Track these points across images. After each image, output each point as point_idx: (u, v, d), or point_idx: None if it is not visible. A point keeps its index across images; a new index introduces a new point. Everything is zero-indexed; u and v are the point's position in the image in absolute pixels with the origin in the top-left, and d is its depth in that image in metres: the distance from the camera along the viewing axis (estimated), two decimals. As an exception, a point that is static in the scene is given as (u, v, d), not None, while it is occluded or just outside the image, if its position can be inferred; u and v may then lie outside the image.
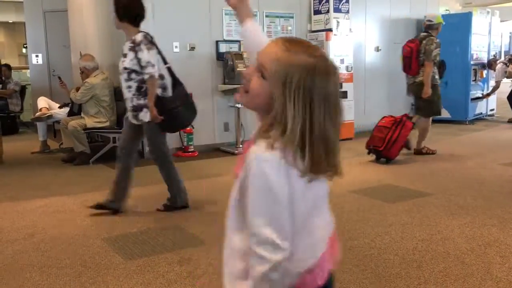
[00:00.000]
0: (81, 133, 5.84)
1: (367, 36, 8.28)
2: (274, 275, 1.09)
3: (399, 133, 5.52)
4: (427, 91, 5.74)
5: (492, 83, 9.36)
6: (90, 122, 5.93)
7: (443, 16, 9.26)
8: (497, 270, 2.62)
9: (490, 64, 9.13)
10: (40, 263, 2.89)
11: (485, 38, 9.17)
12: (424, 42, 5.82)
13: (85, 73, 6.08)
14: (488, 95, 9.09)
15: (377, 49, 8.45)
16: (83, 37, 7.76)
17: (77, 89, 6.05)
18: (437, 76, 5.94)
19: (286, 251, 1.09)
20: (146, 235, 3.35)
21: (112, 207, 3.82)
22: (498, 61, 9.49)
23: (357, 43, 7.92)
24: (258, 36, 1.54)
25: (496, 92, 9.55)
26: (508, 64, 9.04)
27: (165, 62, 3.85)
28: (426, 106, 5.89)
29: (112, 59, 6.81)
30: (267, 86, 1.13)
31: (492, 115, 9.53)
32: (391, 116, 5.85)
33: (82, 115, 6.02)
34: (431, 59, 5.73)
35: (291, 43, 1.15)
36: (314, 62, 1.11)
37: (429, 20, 6.04)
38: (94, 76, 6.04)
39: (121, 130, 6.02)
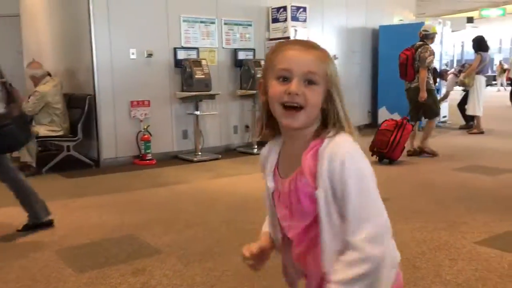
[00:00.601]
0: (33, 142, 5.61)
1: (324, 45, 8.34)
2: (385, 271, 1.06)
3: (401, 136, 5.84)
4: (423, 95, 6.12)
5: (443, 91, 9.70)
6: (42, 131, 5.73)
7: (397, 25, 9.57)
8: (446, 272, 2.70)
9: (442, 75, 9.47)
10: (-15, 278, 2.76)
11: (437, 47, 9.50)
12: (419, 50, 6.21)
13: (34, 81, 5.88)
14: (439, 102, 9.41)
15: (334, 57, 8.60)
16: (36, 43, 7.54)
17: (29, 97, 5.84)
18: (431, 81, 6.35)
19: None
20: (98, 246, 3.27)
21: (39, 223, 3.63)
22: (449, 72, 9.86)
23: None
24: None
25: (448, 99, 9.90)
26: (458, 74, 9.39)
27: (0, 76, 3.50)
28: (426, 110, 6.34)
29: (66, 65, 6.66)
30: (321, 91, 1.14)
31: (444, 122, 9.86)
32: (392, 120, 6.17)
33: (34, 124, 5.81)
34: (425, 66, 6.12)
35: (306, 43, 1.19)
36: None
37: (425, 30, 6.45)
38: (44, 83, 5.85)
39: (75, 138, 5.90)
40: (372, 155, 5.93)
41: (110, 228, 3.65)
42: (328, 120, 1.16)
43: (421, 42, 6.34)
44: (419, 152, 6.39)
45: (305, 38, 7.43)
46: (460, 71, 9.41)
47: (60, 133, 5.84)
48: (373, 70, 9.48)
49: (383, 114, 9.23)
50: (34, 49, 7.49)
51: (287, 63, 1.13)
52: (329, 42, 8.52)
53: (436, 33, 6.59)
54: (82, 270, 2.86)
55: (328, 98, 1.15)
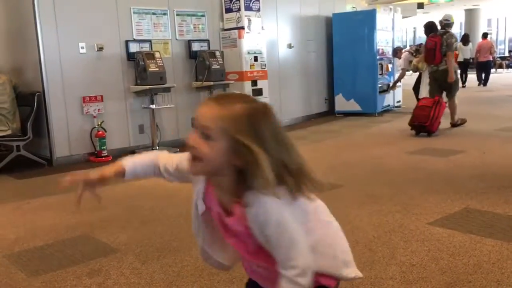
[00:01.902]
0: None
1: (279, 34, 8.43)
2: None
3: (438, 111, 6.66)
4: (453, 76, 7.04)
5: (397, 75, 9.92)
6: None
7: (350, 13, 9.70)
8: (401, 254, 2.77)
9: (396, 52, 9.68)
10: None
11: (389, 33, 9.70)
12: (445, 36, 7.12)
13: None
14: (395, 83, 9.62)
15: (290, 46, 8.64)
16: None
17: None
18: (456, 64, 7.50)
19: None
20: (53, 248, 3.16)
21: None
22: (403, 50, 10.07)
23: (270, 41, 8.04)
24: (149, 165, 1.48)
25: (402, 84, 10.14)
26: (414, 54, 9.49)
27: None
28: (450, 88, 7.18)
29: (13, 61, 6.38)
30: (217, 146, 1.16)
31: (399, 107, 10.11)
32: (428, 98, 7.05)
33: None
34: (453, 50, 7.12)
35: (222, 98, 1.22)
36: (253, 107, 1.19)
37: (446, 20, 7.35)
38: None
39: (25, 137, 5.68)
40: (411, 129, 6.78)
41: (64, 229, 3.54)
42: (249, 178, 1.17)
43: (443, 30, 7.26)
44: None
45: (259, 28, 7.43)
46: (416, 50, 9.54)
47: (8, 132, 5.60)
48: (328, 58, 9.59)
49: (340, 101, 9.39)
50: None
51: (196, 114, 1.21)
52: (284, 31, 8.55)
53: (453, 22, 7.52)
54: (35, 273, 2.76)
55: (244, 156, 1.15)
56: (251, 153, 1.13)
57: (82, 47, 5.96)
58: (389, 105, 9.70)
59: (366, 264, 2.65)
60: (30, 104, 5.73)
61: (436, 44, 7.13)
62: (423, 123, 6.64)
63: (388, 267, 2.61)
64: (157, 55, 6.33)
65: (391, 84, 9.62)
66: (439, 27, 7.60)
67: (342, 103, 9.38)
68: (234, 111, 1.16)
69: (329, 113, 9.59)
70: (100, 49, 6.10)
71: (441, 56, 7.09)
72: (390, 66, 9.58)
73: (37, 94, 5.75)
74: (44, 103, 5.77)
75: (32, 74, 5.97)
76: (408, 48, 10.97)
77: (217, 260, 1.51)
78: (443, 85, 7.18)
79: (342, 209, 3.69)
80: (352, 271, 1.41)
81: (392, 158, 5.48)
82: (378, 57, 9.08)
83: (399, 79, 9.65)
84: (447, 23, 7.30)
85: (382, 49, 9.29)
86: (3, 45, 6.61)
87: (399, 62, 9.71)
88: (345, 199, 3.93)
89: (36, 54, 5.73)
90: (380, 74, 9.17)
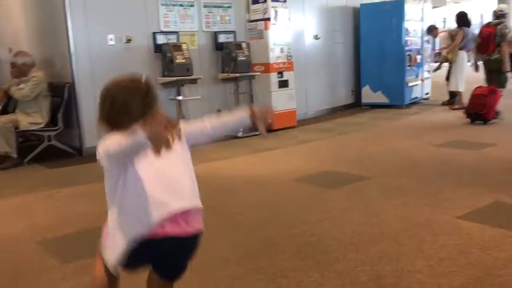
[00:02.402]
0: (11, 131, 5.50)
1: (306, 25, 8.37)
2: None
3: (494, 99, 6.80)
4: (506, 66, 7.22)
5: (426, 67, 9.73)
6: (24, 121, 5.61)
7: (378, 3, 9.54)
8: (428, 248, 2.74)
9: (430, 30, 9.47)
10: (-32, 273, 2.73)
11: (419, 24, 9.51)
12: (499, 27, 7.23)
13: (24, 70, 5.73)
14: (438, 68, 9.53)
15: (316, 37, 8.57)
16: (13, 32, 7.36)
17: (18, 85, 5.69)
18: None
19: None
20: (83, 237, 3.25)
21: None
22: (441, 30, 9.86)
23: (296, 32, 7.99)
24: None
25: (431, 76, 9.95)
26: (453, 33, 9.03)
27: None
28: (499, 78, 7.28)
29: (43, 53, 6.52)
30: None
31: (427, 99, 9.92)
32: (483, 87, 7.12)
33: (17, 113, 5.71)
34: (507, 40, 7.22)
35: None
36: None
37: (501, 10, 7.53)
38: (35, 72, 5.73)
39: (56, 128, 5.81)
40: (467, 117, 6.92)
41: (93, 218, 3.61)
42: None
43: (497, 20, 7.37)
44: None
45: (285, 19, 7.39)
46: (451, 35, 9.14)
47: (42, 124, 5.73)
48: (355, 49, 9.46)
49: (367, 93, 9.27)
50: (10, 38, 7.31)
51: None
52: (310, 22, 8.48)
53: (508, 12, 7.76)
54: (66, 260, 2.84)
55: None
56: None
57: (111, 39, 6.05)
58: (417, 97, 9.52)
59: (393, 257, 2.63)
60: (61, 95, 5.85)
61: (490, 34, 7.26)
62: (479, 112, 6.78)
63: (416, 260, 2.59)
64: (184, 46, 6.38)
65: (435, 67, 9.71)
66: (491, 18, 7.57)
67: (368, 95, 9.26)
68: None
69: (355, 105, 9.49)
70: (128, 41, 6.18)
71: (494, 46, 7.23)
72: (418, 57, 9.39)
73: (67, 85, 5.87)
74: (74, 94, 5.89)
75: (62, 66, 6.10)
76: (447, 29, 10.68)
77: None
78: (493, 74, 7.32)
79: (369, 201, 3.66)
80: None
81: (420, 150, 5.40)
82: (406, 48, 8.91)
83: (441, 63, 9.39)
84: (501, 14, 7.46)
85: (411, 40, 9.12)
86: (34, 37, 6.77)
87: (441, 40, 9.47)
88: (371, 192, 3.90)
89: (66, 46, 5.85)
90: (408, 66, 9.00)
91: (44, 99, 5.75)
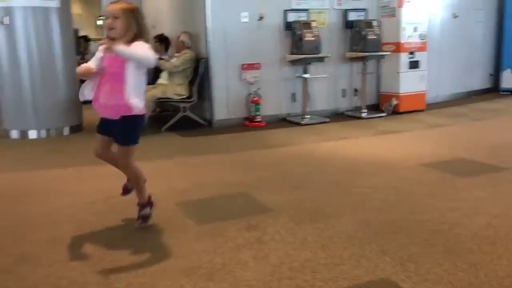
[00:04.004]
0: (152, 101, 5.99)
1: (443, 2, 7.83)
2: None
3: None
4: None
5: None
6: (171, 91, 6.11)
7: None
8: None
9: None
10: (118, 224, 3.10)
11: None
12: None
13: (180, 46, 6.34)
14: None
15: (454, 16, 7.98)
16: (155, 10, 7.97)
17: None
18: None
19: None
20: (215, 202, 3.48)
21: None
22: None
23: (432, 10, 7.52)
24: None
25: None
26: None
27: None
28: None
29: (183, 29, 6.95)
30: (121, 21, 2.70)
31: None
32: None
33: (167, 82, 6.25)
34: None
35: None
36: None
37: None
38: (186, 51, 6.27)
39: (191, 100, 6.22)
40: None
41: (224, 185, 3.87)
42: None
43: None
44: None
45: (422, -4, 6.98)
46: None
47: (185, 96, 6.19)
48: (497, 29, 8.66)
49: (507, 78, 8.50)
50: (153, 15, 7.92)
51: (106, 10, 2.79)
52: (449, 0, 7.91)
53: None
54: (201, 222, 3.09)
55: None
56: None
57: (245, 17, 6.27)
58: None
59: (536, 255, 2.43)
60: (196, 69, 6.24)
61: None
62: None
63: None
64: (313, 24, 6.38)
65: None
66: None
67: (509, 80, 8.48)
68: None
69: (493, 90, 8.74)
70: (261, 18, 6.34)
71: None
72: None
73: (202, 60, 6.23)
74: (208, 69, 6.24)
75: (199, 42, 6.48)
76: None
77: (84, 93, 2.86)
78: None
79: (507, 193, 3.41)
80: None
81: None
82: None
83: None
84: None
85: None
86: (175, 15, 7.26)
87: None
88: (509, 185, 3.62)
89: (203, 23, 6.19)
90: None
91: (190, 75, 6.22)
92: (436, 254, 2.51)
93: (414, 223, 2.94)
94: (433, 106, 7.40)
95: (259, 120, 6.39)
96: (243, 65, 6.36)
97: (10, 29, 5.72)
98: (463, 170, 4.11)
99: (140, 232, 2.96)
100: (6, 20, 5.67)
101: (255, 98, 6.36)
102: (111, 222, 3.12)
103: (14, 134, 5.94)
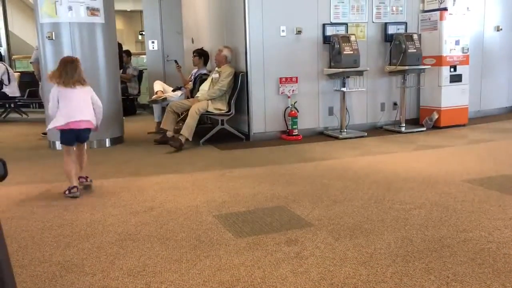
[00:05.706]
0: (197, 118, 6.06)
1: (486, 15, 7.65)
2: None
3: None
4: None
5: None
6: (211, 106, 6.17)
7: None
8: None
9: None
10: (159, 235, 3.13)
11: None
12: None
13: (221, 61, 6.39)
14: None
15: (498, 29, 7.78)
16: (195, 24, 8.13)
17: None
18: None
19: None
20: (253, 215, 3.48)
21: None
22: None
23: (475, 23, 7.36)
24: None
25: None
26: None
27: None
28: None
29: (223, 43, 7.05)
30: None
31: None
32: None
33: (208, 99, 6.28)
34: None
35: None
36: None
37: None
38: (227, 66, 6.36)
39: (229, 113, 6.27)
40: None
41: (262, 198, 3.86)
42: None
43: None
44: None
45: (463, 9, 6.86)
46: None
47: (225, 111, 6.24)
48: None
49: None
50: (193, 29, 8.08)
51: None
52: (492, 12, 7.73)
53: None
54: (240, 235, 3.08)
55: None
56: None
57: (283, 30, 6.30)
58: None
59: None
60: (235, 83, 6.30)
61: None
62: None
63: None
64: (352, 38, 6.35)
65: None
66: None
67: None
68: None
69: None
70: (299, 32, 6.36)
71: None
72: None
73: (241, 74, 6.29)
74: (246, 82, 6.29)
75: (238, 56, 6.54)
76: None
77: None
78: None
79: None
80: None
81: None
82: None
83: None
84: None
85: None
86: (215, 29, 7.37)
87: None
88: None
89: (243, 37, 6.26)
90: None
91: (229, 90, 6.27)
92: (483, 275, 2.41)
93: (459, 242, 2.84)
94: (475, 121, 7.20)
95: (296, 133, 6.37)
96: (280, 78, 6.38)
97: (57, 44, 5.95)
98: (510, 187, 3.96)
99: (180, 244, 2.98)
100: (53, 35, 5.91)
101: (293, 112, 6.35)
102: (152, 233, 3.16)
103: (59, 145, 6.13)
